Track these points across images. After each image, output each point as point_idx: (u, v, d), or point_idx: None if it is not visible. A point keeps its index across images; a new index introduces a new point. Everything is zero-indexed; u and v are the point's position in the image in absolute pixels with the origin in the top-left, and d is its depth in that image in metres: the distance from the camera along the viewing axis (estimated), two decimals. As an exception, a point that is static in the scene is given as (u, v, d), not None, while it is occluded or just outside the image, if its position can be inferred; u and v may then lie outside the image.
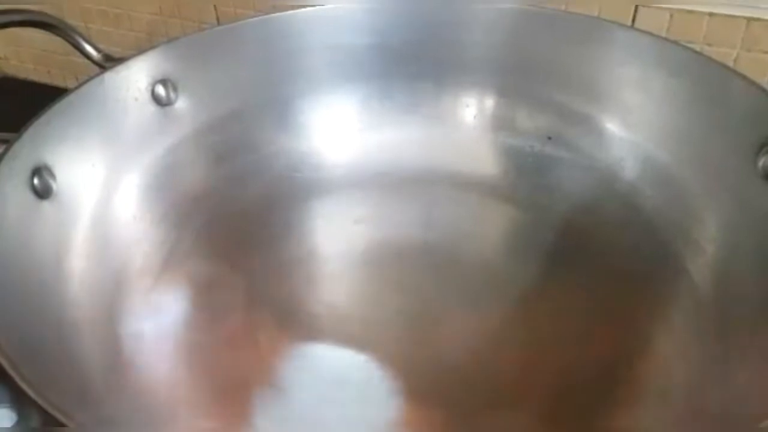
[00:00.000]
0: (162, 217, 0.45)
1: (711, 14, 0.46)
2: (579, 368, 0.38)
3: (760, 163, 0.37)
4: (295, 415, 0.37)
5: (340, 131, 0.50)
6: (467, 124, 0.50)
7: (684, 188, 0.42)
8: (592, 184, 0.46)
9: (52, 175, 0.38)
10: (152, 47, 0.44)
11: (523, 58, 0.47)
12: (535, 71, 0.47)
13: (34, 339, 0.32)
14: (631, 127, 0.45)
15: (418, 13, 0.48)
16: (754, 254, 0.37)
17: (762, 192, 0.37)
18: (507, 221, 0.47)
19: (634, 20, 0.47)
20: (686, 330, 0.39)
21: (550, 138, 0.48)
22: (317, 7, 0.47)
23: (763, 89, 0.38)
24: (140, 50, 0.44)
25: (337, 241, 0.46)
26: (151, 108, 0.44)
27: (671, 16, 0.47)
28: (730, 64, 0.46)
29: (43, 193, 0.37)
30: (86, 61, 0.44)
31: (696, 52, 0.42)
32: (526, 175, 0.48)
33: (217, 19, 0.59)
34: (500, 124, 0.49)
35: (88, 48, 0.44)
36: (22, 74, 0.74)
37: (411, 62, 0.49)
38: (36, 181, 0.37)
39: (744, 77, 0.39)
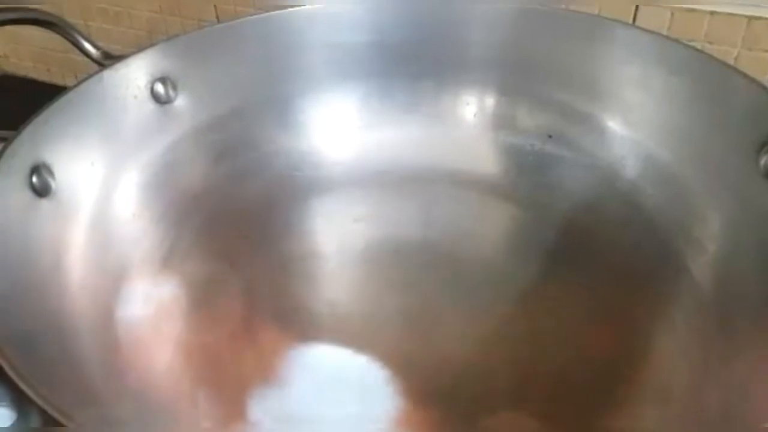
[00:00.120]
0: (161, 215, 0.44)
1: (712, 13, 0.46)
2: (579, 367, 0.38)
3: (762, 161, 0.37)
4: (294, 414, 0.36)
5: (340, 130, 0.50)
6: (467, 123, 0.50)
7: (685, 187, 0.42)
8: (592, 183, 0.46)
9: (51, 174, 0.38)
10: (152, 45, 0.44)
11: (523, 57, 0.47)
12: (536, 69, 0.47)
13: (33, 338, 0.32)
14: (632, 126, 0.45)
15: (419, 11, 0.48)
16: (755, 253, 0.37)
17: (763, 190, 0.37)
18: (507, 220, 0.47)
19: (635, 18, 0.47)
20: (687, 329, 0.39)
21: (550, 136, 0.48)
22: (317, 5, 0.47)
23: (764, 87, 0.38)
24: (140, 48, 0.44)
25: (337, 239, 0.46)
26: (151, 106, 0.44)
27: (672, 14, 0.47)
28: (731, 62, 0.46)
29: (41, 191, 0.37)
30: (86, 59, 0.44)
31: (697, 50, 0.42)
32: (527, 174, 0.48)
33: (217, 17, 0.59)
34: (501, 122, 0.49)
35: (87, 46, 0.44)
36: (21, 72, 0.74)
37: (411, 60, 0.49)
38: (35, 179, 0.37)
39: (745, 75, 0.39)
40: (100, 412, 0.32)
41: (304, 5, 0.47)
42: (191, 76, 0.46)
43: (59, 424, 0.26)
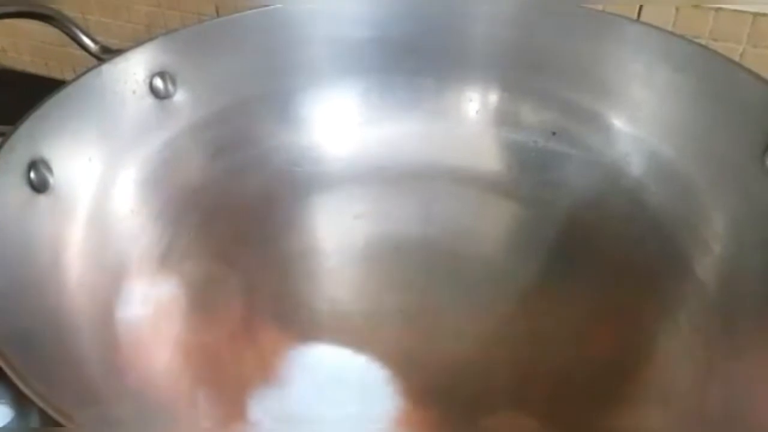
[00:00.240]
0: (160, 211, 0.44)
1: (717, 9, 0.46)
2: (581, 367, 0.38)
3: (767, 159, 0.37)
4: (294, 414, 0.36)
5: (340, 125, 0.50)
6: (470, 119, 0.49)
7: (690, 184, 0.42)
8: (596, 180, 0.45)
9: (49, 169, 0.37)
10: (150, 39, 0.44)
11: (526, 52, 0.47)
12: (539, 65, 0.47)
13: (31, 336, 0.31)
14: (636, 123, 0.45)
15: (420, 6, 0.47)
16: (760, 252, 0.37)
17: (768, 188, 0.37)
18: (509, 217, 0.47)
19: (639, 14, 0.47)
20: (691, 328, 0.39)
21: (554, 133, 0.47)
22: (318, -1, 0.47)
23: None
24: (138, 42, 0.43)
25: (337, 236, 0.46)
26: (149, 101, 0.44)
27: (677, 10, 0.46)
28: (736, 59, 0.46)
29: (39, 187, 0.37)
30: (84, 53, 0.44)
31: (702, 46, 0.42)
32: (530, 171, 0.47)
33: (217, 11, 0.59)
34: (503, 118, 0.48)
35: (86, 40, 0.43)
36: (19, 66, 0.73)
37: (413, 56, 0.48)
38: (33, 175, 0.36)
39: (750, 72, 0.39)
40: (100, 412, 0.32)
41: (305, -1, 0.47)
42: (190, 71, 0.45)
43: (57, 424, 0.25)
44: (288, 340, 0.39)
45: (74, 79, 0.40)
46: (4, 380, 0.27)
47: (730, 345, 0.36)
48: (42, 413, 0.26)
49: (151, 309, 0.40)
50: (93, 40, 0.43)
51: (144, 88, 0.44)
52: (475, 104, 0.49)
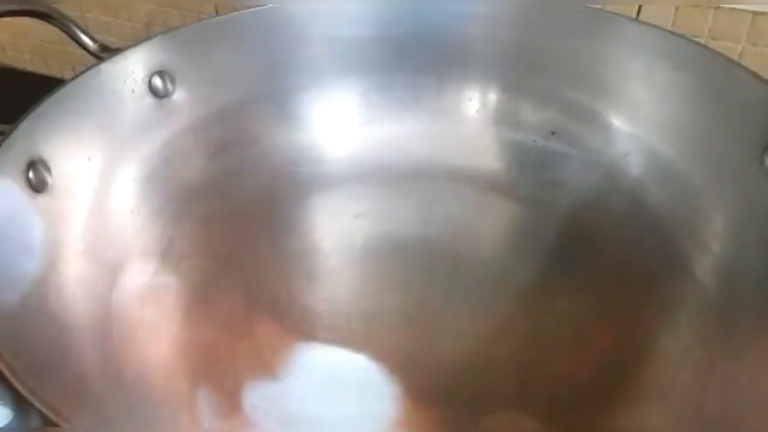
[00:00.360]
0: (159, 210, 0.44)
1: (716, 8, 0.45)
2: (580, 367, 0.38)
3: (767, 158, 0.37)
4: (293, 414, 0.36)
5: (340, 125, 0.49)
6: (470, 118, 0.49)
7: (689, 184, 0.42)
8: (595, 180, 0.45)
9: (48, 168, 0.37)
10: (150, 38, 0.44)
11: (526, 52, 0.47)
12: (538, 65, 0.47)
13: (29, 336, 0.31)
14: (635, 122, 0.44)
15: (421, 5, 0.47)
16: (759, 252, 0.37)
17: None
18: (509, 217, 0.47)
19: (638, 13, 0.47)
20: (690, 328, 0.39)
21: (553, 133, 0.47)
22: (319, -3, 0.47)
23: (767, 83, 0.37)
24: (138, 41, 0.43)
25: (337, 236, 0.46)
26: (149, 100, 0.44)
27: (676, 9, 0.46)
28: (736, 58, 0.46)
29: (38, 186, 0.37)
30: (83, 51, 0.44)
31: (701, 45, 0.42)
32: (529, 171, 0.47)
33: (216, 9, 0.59)
34: (503, 118, 0.48)
35: (85, 38, 0.43)
36: (18, 64, 0.73)
37: (413, 55, 0.48)
38: (31, 174, 0.36)
39: (749, 71, 0.39)
40: (98, 412, 0.32)
41: (305, -3, 0.46)
42: (190, 70, 0.45)
43: (56, 424, 0.25)
44: (287, 340, 0.39)
45: (73, 78, 0.40)
46: (4, 381, 0.27)
47: (730, 345, 0.36)
48: (41, 414, 0.26)
49: (150, 308, 0.40)
50: (92, 38, 0.43)
51: (143, 87, 0.43)
52: (475, 103, 0.49)
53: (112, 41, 0.44)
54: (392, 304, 0.41)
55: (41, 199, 0.37)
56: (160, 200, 0.44)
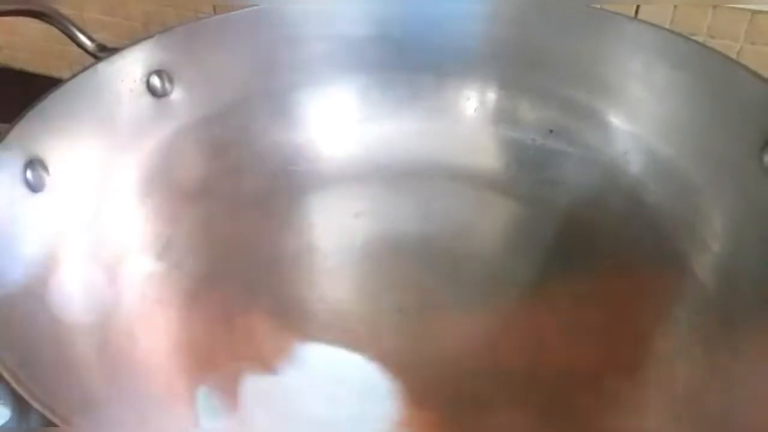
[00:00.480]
0: (157, 210, 0.44)
1: (715, 6, 0.45)
2: (580, 366, 0.38)
3: (765, 158, 0.37)
4: (293, 413, 0.36)
5: (338, 123, 0.49)
6: (468, 117, 0.49)
7: (688, 183, 0.42)
8: (594, 178, 0.45)
9: (45, 168, 0.37)
10: (148, 37, 0.44)
11: (524, 50, 0.47)
12: (537, 63, 0.47)
13: (28, 337, 0.31)
14: (634, 120, 0.44)
15: (419, 3, 0.47)
16: (758, 251, 0.37)
17: (767, 187, 0.37)
18: (507, 215, 0.47)
19: (637, 12, 0.47)
20: (690, 327, 0.38)
21: (551, 131, 0.47)
22: (317, -5, 0.47)
23: (767, 82, 0.37)
24: (135, 40, 0.43)
25: (336, 235, 0.46)
26: (147, 99, 0.44)
27: (675, 8, 0.46)
28: (734, 56, 0.46)
29: (36, 186, 0.37)
30: (81, 50, 0.43)
31: (700, 44, 0.42)
32: (528, 169, 0.47)
33: (214, 8, 0.59)
34: (502, 116, 0.48)
35: (82, 38, 0.43)
36: (16, 64, 0.73)
37: (411, 53, 0.48)
38: (29, 174, 0.36)
39: (748, 70, 0.39)
40: (96, 413, 0.32)
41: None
42: (188, 69, 0.45)
43: (54, 425, 0.25)
44: (287, 339, 0.39)
45: (71, 78, 0.40)
46: (2, 380, 0.27)
47: (730, 343, 0.36)
48: (40, 413, 0.25)
49: (148, 307, 0.40)
50: (90, 38, 0.43)
51: (141, 87, 0.43)
52: (474, 102, 0.49)
53: (109, 40, 0.44)
54: (391, 302, 0.41)
55: (39, 198, 0.37)
56: (158, 199, 0.44)
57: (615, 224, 0.44)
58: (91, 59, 0.42)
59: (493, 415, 0.36)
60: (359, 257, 0.44)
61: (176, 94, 0.45)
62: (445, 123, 0.49)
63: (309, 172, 0.48)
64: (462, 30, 0.47)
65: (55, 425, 0.25)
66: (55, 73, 0.71)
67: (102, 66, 0.41)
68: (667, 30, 0.43)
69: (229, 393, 0.37)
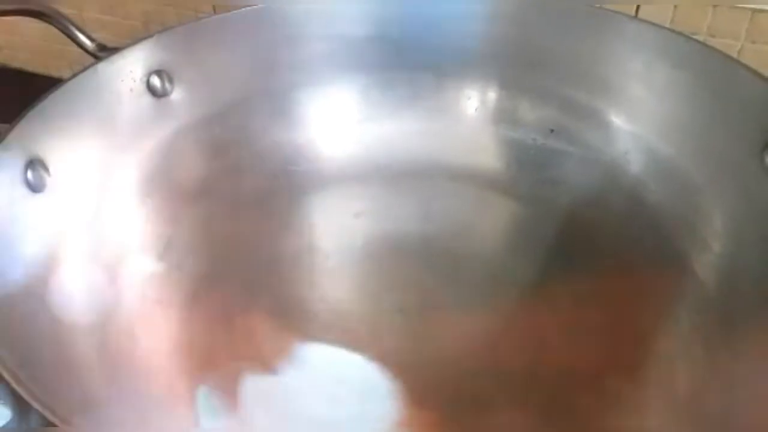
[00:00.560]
0: (157, 210, 0.44)
1: (715, 5, 0.45)
2: (580, 366, 0.38)
3: (766, 156, 0.37)
4: (293, 414, 0.36)
5: (339, 123, 0.49)
6: (468, 117, 0.49)
7: (689, 182, 0.42)
8: (595, 178, 0.45)
9: (46, 168, 0.37)
10: (147, 37, 0.44)
11: (524, 50, 0.47)
12: (537, 62, 0.47)
13: (28, 337, 0.31)
14: (634, 120, 0.44)
15: (419, 3, 0.47)
16: (759, 250, 0.37)
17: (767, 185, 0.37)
18: (508, 215, 0.47)
19: (637, 11, 0.47)
20: (690, 327, 0.38)
21: (552, 131, 0.47)
22: (318, -5, 0.47)
23: (767, 81, 0.37)
24: (135, 40, 0.43)
25: (336, 235, 0.46)
26: (147, 99, 0.44)
27: (675, 7, 0.46)
28: (735, 55, 0.46)
29: (36, 187, 0.37)
30: (82, 50, 0.43)
31: (700, 43, 0.42)
32: (528, 169, 0.47)
33: (214, 8, 0.59)
34: (502, 116, 0.48)
35: (82, 38, 0.43)
36: (16, 64, 0.73)
37: (411, 53, 0.48)
38: (29, 174, 0.36)
39: (749, 69, 0.39)
40: (96, 413, 0.32)
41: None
42: (188, 69, 0.45)
43: (54, 425, 0.25)
44: (287, 340, 0.39)
45: (70, 78, 0.40)
46: (2, 381, 0.27)
47: (730, 343, 0.36)
48: (37, 414, 0.25)
49: (149, 307, 0.40)
50: (89, 37, 0.43)
51: (141, 87, 0.43)
52: (474, 102, 0.49)
53: (109, 40, 0.44)
54: (392, 302, 0.41)
55: (39, 199, 0.37)
56: (158, 200, 0.44)
57: (616, 224, 0.44)
58: (91, 59, 0.42)
59: (494, 415, 0.36)
60: (359, 257, 0.44)
61: (176, 94, 0.45)
62: (445, 123, 0.49)
63: (309, 172, 0.48)
64: (462, 30, 0.47)
65: (55, 425, 0.25)
66: (54, 73, 0.71)
67: (102, 66, 0.41)
68: (668, 29, 0.43)
69: (230, 393, 0.37)
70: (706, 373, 0.36)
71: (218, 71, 0.46)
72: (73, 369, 0.34)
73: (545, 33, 0.46)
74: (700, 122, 0.42)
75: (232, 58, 0.47)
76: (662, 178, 0.43)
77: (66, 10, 0.44)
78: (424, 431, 0.36)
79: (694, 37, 0.43)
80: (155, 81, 0.44)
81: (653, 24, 0.43)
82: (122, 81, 0.42)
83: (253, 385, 0.37)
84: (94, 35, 0.43)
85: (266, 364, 0.38)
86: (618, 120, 0.45)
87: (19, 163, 0.36)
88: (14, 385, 0.26)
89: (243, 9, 0.46)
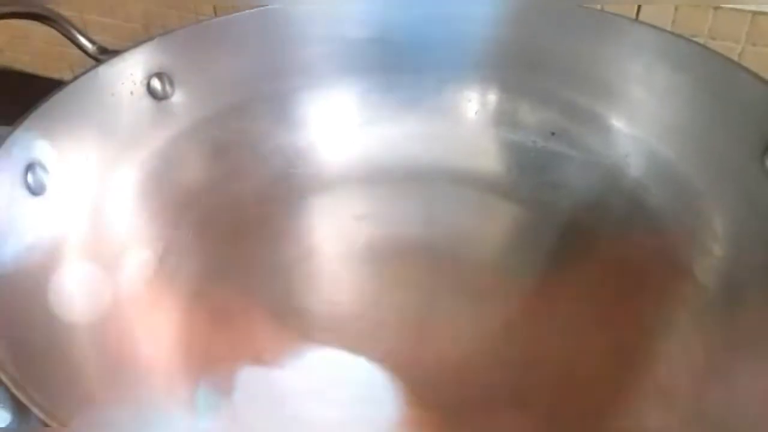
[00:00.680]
0: (158, 213, 0.44)
1: (716, 8, 0.45)
2: (581, 368, 0.38)
3: (767, 159, 0.37)
4: (294, 415, 0.36)
5: (340, 126, 0.49)
6: (469, 119, 0.49)
7: (689, 186, 0.42)
8: (595, 181, 0.45)
9: (46, 171, 0.37)
10: (148, 39, 0.44)
11: (525, 52, 0.47)
12: (538, 65, 0.47)
13: (27, 339, 0.31)
14: (635, 123, 0.44)
15: (420, 6, 0.47)
16: (760, 253, 0.37)
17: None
18: (509, 218, 0.47)
19: (638, 13, 0.47)
20: (691, 329, 0.38)
21: (553, 133, 0.47)
22: (317, -2, 0.47)
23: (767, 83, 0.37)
24: (136, 42, 0.43)
25: (337, 238, 0.46)
26: (147, 102, 0.44)
27: (676, 9, 0.46)
28: (735, 58, 0.46)
29: (36, 189, 0.37)
30: (82, 53, 0.43)
31: (701, 45, 0.42)
32: (529, 172, 0.47)
33: (215, 10, 0.59)
34: (502, 119, 0.48)
35: (83, 40, 0.43)
36: (17, 66, 0.73)
37: (412, 56, 0.48)
38: (30, 177, 0.36)
39: (749, 71, 0.39)
40: (95, 414, 0.32)
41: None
42: (188, 72, 0.45)
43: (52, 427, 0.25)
44: (287, 342, 0.39)
45: (71, 81, 0.40)
46: (1, 383, 0.27)
47: (730, 345, 0.36)
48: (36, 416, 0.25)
49: (148, 309, 0.40)
50: (90, 40, 0.43)
51: (142, 90, 0.43)
52: (475, 105, 0.49)
53: (110, 42, 0.44)
54: (393, 305, 0.41)
55: (40, 201, 0.37)
56: (158, 202, 0.44)
57: (616, 227, 0.44)
58: (92, 62, 0.42)
59: (494, 415, 0.36)
60: (360, 260, 0.44)
61: (177, 97, 0.45)
62: (446, 126, 0.49)
63: (310, 175, 0.48)
64: (463, 32, 0.47)
65: (52, 427, 0.25)
66: (56, 75, 0.71)
67: (102, 69, 0.41)
68: (669, 32, 0.43)
69: (229, 394, 0.37)
70: (706, 374, 0.36)
71: (219, 74, 0.46)
72: (73, 370, 0.34)
73: (546, 35, 0.46)
74: (700, 125, 0.42)
75: (233, 60, 0.47)
76: (663, 181, 0.43)
77: (67, 12, 0.44)
78: (423, 431, 0.36)
79: (695, 39, 0.43)
80: (156, 84, 0.44)
81: (654, 26, 0.43)
82: (123, 84, 0.42)
83: (253, 386, 0.37)
84: (94, 38, 0.43)
85: (266, 366, 0.38)
86: (618, 123, 0.45)
87: (20, 165, 0.36)
88: (13, 389, 0.26)
89: (244, 11, 0.46)
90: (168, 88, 0.44)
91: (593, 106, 0.46)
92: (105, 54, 0.43)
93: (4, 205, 0.35)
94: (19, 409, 0.35)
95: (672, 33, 0.43)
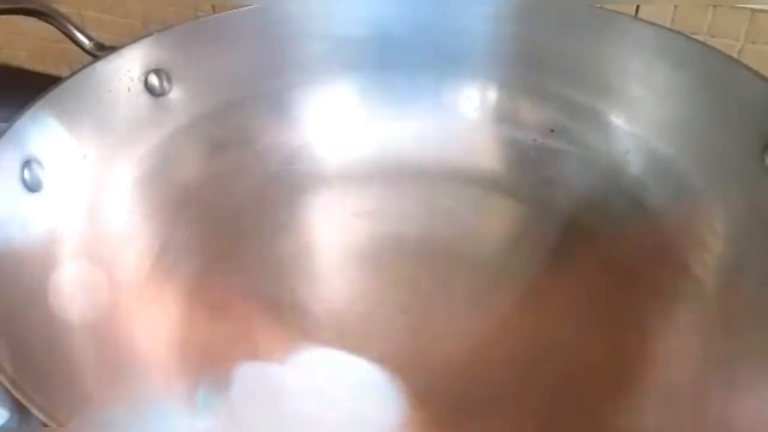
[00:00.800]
0: (155, 210, 0.44)
1: (715, 6, 0.45)
2: (580, 367, 0.38)
3: (767, 157, 0.37)
4: (293, 414, 0.36)
5: (338, 123, 0.49)
6: (468, 117, 0.49)
7: (689, 183, 0.42)
8: (595, 179, 0.45)
9: (43, 168, 0.37)
10: (146, 35, 0.43)
11: (525, 50, 0.46)
12: (537, 63, 0.46)
13: (24, 338, 0.31)
14: (635, 120, 0.44)
15: (419, 3, 0.47)
16: (759, 250, 0.37)
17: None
18: (508, 216, 0.47)
19: (637, 11, 0.47)
20: (690, 328, 0.38)
21: (552, 131, 0.47)
22: (316, -6, 0.46)
23: (767, 81, 0.37)
24: (134, 38, 0.43)
25: (335, 235, 0.46)
26: (145, 98, 0.44)
27: (675, 7, 0.46)
28: (735, 55, 0.46)
29: (33, 186, 0.37)
30: (80, 49, 0.43)
31: (701, 43, 0.42)
32: (529, 169, 0.47)
33: (213, 7, 0.58)
34: (502, 116, 0.48)
35: (80, 36, 0.43)
36: (15, 62, 0.73)
37: (411, 53, 0.48)
38: (26, 174, 0.36)
39: (749, 69, 0.39)
40: (93, 413, 0.32)
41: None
42: (186, 68, 0.45)
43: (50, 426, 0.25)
44: (286, 340, 0.39)
45: (68, 77, 0.40)
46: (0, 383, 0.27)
47: (730, 345, 0.36)
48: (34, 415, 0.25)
49: (146, 308, 0.40)
50: (88, 36, 0.43)
51: (139, 86, 0.43)
52: (474, 102, 0.49)
53: (108, 39, 0.43)
54: (392, 303, 0.41)
55: (36, 198, 0.37)
56: (156, 199, 0.44)
57: (616, 225, 0.43)
58: (89, 58, 0.42)
59: (494, 415, 0.36)
60: (359, 257, 0.44)
61: (174, 93, 0.45)
62: (445, 123, 0.49)
63: (308, 172, 0.48)
64: (462, 30, 0.47)
65: (51, 426, 0.25)
66: (53, 71, 0.70)
67: (100, 65, 0.41)
68: (668, 29, 0.43)
69: (228, 392, 0.37)
70: (706, 374, 0.36)
71: (217, 70, 0.46)
72: (71, 368, 0.34)
73: (545, 33, 0.46)
74: (700, 123, 0.41)
75: (231, 57, 0.47)
76: (662, 178, 0.43)
77: (65, 9, 0.44)
78: (423, 431, 0.36)
79: (695, 37, 0.43)
80: (153, 80, 0.44)
81: (653, 24, 0.43)
82: (120, 80, 0.42)
83: (251, 383, 0.37)
84: (92, 34, 0.43)
85: (264, 364, 0.38)
86: (618, 120, 0.45)
87: (17, 162, 0.36)
88: (11, 389, 0.26)
89: (242, 8, 0.46)
90: (165, 84, 0.44)
91: (593, 103, 0.46)
92: (102, 50, 0.42)
93: (1, 201, 0.35)
94: (18, 409, 0.35)
95: (671, 30, 0.43)
